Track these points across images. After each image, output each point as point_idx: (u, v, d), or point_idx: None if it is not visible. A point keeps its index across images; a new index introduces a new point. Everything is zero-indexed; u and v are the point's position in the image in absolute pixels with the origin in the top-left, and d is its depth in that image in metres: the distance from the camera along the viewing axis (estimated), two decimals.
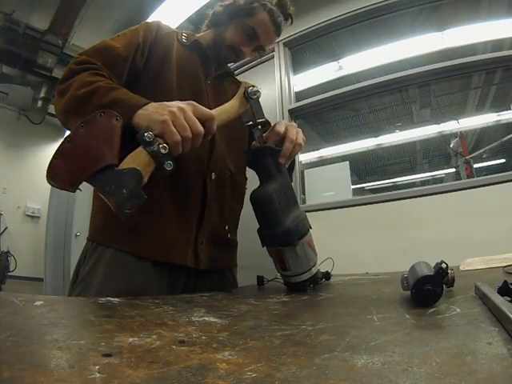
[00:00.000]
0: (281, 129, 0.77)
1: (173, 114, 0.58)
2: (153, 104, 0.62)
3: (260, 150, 0.76)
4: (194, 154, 0.75)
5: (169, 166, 0.57)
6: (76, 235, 3.42)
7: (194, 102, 0.63)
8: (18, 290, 3.94)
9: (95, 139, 0.53)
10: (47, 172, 0.53)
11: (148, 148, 0.55)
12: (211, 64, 0.91)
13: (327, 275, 0.83)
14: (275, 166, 0.74)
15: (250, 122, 0.76)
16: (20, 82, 4.08)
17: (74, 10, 3.09)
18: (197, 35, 0.94)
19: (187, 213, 0.78)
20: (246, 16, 0.87)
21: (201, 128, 0.60)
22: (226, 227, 0.87)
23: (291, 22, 0.95)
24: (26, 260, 4.45)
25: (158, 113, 0.59)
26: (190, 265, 0.77)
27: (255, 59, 0.97)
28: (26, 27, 3.31)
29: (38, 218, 4.82)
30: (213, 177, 0.82)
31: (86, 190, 0.55)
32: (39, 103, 4.58)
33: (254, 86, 0.74)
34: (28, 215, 4.81)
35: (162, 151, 0.56)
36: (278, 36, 0.94)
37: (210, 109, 0.71)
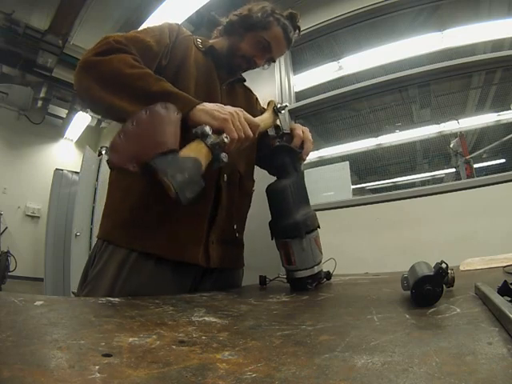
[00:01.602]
0: (300, 132, 0.86)
1: (232, 115, 0.64)
2: (209, 103, 0.67)
3: (281, 148, 0.84)
4: None
5: (225, 157, 0.61)
6: (76, 235, 3.42)
7: (242, 109, 0.69)
8: (17, 289, 3.94)
9: (159, 126, 0.55)
10: (109, 149, 0.53)
11: (207, 140, 0.59)
12: (224, 70, 0.94)
13: (328, 275, 0.83)
14: (292, 164, 0.82)
15: (274, 133, 0.85)
16: (20, 82, 4.08)
17: (74, 10, 3.09)
18: (210, 41, 0.96)
19: (200, 213, 0.79)
20: (261, 29, 0.90)
21: (251, 132, 0.67)
22: (235, 226, 0.89)
23: (299, 33, 1.00)
24: (26, 260, 4.45)
25: (218, 111, 0.64)
26: (201, 263, 0.78)
27: (263, 69, 1.00)
28: (26, 27, 3.30)
29: (38, 217, 4.82)
30: (225, 178, 0.84)
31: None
32: (39, 103, 4.59)
33: (279, 103, 0.85)
34: (28, 215, 4.81)
35: (224, 142, 0.60)
36: (288, 49, 1.00)
37: None
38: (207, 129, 0.59)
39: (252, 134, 0.67)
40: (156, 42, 0.79)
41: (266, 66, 1.00)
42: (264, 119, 0.81)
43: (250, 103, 1.03)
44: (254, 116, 0.98)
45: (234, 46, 0.92)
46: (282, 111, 0.84)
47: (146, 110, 0.55)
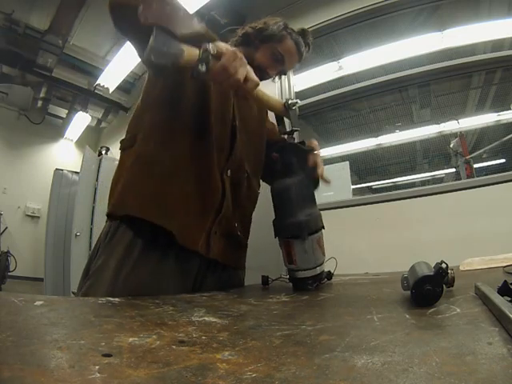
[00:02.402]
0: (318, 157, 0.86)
1: (239, 59, 0.65)
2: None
3: (290, 146, 0.82)
4: (218, 149, 0.82)
5: (203, 67, 0.62)
6: (76, 235, 3.42)
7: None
8: (17, 289, 3.94)
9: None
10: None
11: (203, 48, 0.62)
12: None
13: (329, 275, 0.83)
14: (299, 164, 0.80)
15: (286, 131, 0.83)
16: (20, 82, 4.08)
17: (74, 10, 3.09)
18: None
19: (208, 200, 0.81)
20: (276, 42, 0.93)
21: (242, 77, 0.66)
22: (236, 224, 0.89)
23: (309, 50, 1.02)
24: (26, 260, 4.45)
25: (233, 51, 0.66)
26: (200, 251, 0.78)
27: (273, 81, 1.03)
28: (26, 27, 3.31)
29: (38, 217, 4.82)
30: (228, 173, 0.85)
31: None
32: (39, 103, 4.59)
33: (291, 99, 0.81)
34: (28, 215, 4.81)
35: (212, 55, 0.62)
36: (299, 63, 1.02)
37: (234, 115, 0.88)
38: (211, 46, 0.63)
39: (242, 80, 0.66)
40: None
41: (276, 78, 1.01)
42: (268, 96, 0.78)
43: (261, 115, 1.05)
44: (263, 127, 1.02)
45: (248, 56, 0.93)
46: (293, 107, 0.80)
47: None
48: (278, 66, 0.96)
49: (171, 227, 0.74)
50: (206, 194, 0.81)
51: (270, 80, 0.97)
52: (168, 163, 0.78)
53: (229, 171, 0.86)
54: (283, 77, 2.82)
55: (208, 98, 0.84)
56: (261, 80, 0.98)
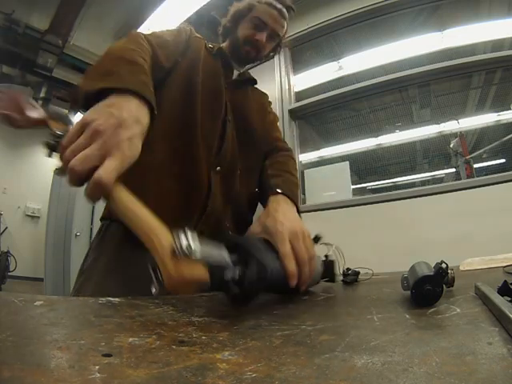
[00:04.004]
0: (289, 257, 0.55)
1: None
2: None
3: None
4: (205, 144, 0.80)
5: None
6: (76, 235, 3.42)
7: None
8: (17, 289, 3.94)
9: None
10: None
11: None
12: (233, 73, 0.97)
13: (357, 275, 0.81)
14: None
15: None
16: (20, 82, 4.08)
17: (74, 10, 3.09)
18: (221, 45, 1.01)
19: (191, 197, 0.79)
20: (248, 13, 0.95)
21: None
22: (228, 224, 0.87)
23: (293, 12, 1.01)
24: (26, 260, 4.45)
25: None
26: None
27: (278, 52, 1.05)
28: (26, 27, 3.31)
29: (38, 217, 4.83)
30: (217, 169, 0.83)
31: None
32: (39, 103, 4.59)
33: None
34: (28, 215, 4.81)
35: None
36: (285, 19, 0.99)
37: (227, 110, 0.86)
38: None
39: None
40: (173, 40, 0.85)
41: (273, 45, 1.00)
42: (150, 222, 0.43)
43: (262, 107, 1.04)
44: (264, 120, 1.02)
45: (234, 41, 0.97)
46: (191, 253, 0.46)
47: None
48: (262, 30, 0.95)
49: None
50: (190, 190, 0.79)
51: (264, 77, 0.97)
52: (148, 159, 0.75)
53: (218, 167, 0.83)
54: (283, 77, 2.83)
55: (194, 93, 0.83)
56: (258, 55, 0.98)
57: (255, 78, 1.07)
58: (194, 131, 0.81)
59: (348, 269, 0.84)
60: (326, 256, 0.78)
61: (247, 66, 1.05)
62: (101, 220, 0.80)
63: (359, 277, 0.84)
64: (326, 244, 0.83)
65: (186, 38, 0.91)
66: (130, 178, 0.74)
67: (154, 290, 0.41)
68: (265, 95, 1.12)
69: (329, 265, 0.73)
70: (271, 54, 1.05)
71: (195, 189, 0.80)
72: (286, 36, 1.04)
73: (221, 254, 0.41)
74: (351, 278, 0.80)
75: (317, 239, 0.80)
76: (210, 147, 0.83)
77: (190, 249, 0.33)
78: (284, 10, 0.97)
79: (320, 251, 0.82)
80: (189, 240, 0.33)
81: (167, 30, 0.90)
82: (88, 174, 0.41)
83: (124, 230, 0.73)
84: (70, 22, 3.23)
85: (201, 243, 0.36)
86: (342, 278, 0.82)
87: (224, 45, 1.01)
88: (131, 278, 0.70)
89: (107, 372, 0.23)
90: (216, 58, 0.95)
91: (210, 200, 0.81)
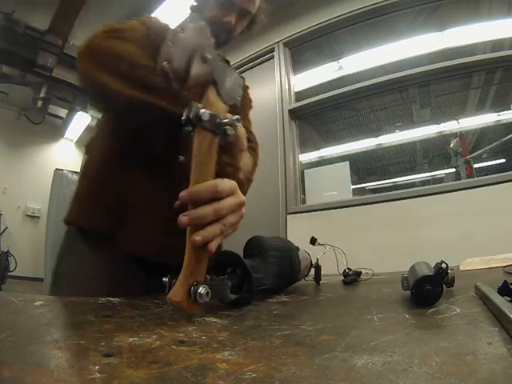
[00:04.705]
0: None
1: None
2: None
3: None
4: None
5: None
6: None
7: None
8: (17, 289, 3.93)
9: None
10: (160, 58, 0.51)
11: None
12: None
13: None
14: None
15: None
16: (20, 82, 4.08)
17: (73, 10, 3.09)
18: None
19: (158, 198, 0.75)
20: None
21: None
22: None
23: None
24: (26, 260, 4.45)
25: None
26: (150, 257, 0.73)
27: (252, 31, 0.93)
28: (26, 27, 3.30)
29: (38, 218, 4.82)
30: (180, 159, 0.79)
31: None
32: (39, 103, 4.59)
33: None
34: (28, 215, 4.81)
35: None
36: None
37: None
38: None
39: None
40: (144, 32, 0.78)
41: (245, 23, 0.90)
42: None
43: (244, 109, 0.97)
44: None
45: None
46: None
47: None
48: (230, 9, 0.86)
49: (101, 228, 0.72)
50: (154, 191, 0.75)
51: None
52: (98, 153, 0.77)
53: (180, 157, 0.79)
54: (283, 77, 2.83)
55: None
56: (229, 37, 0.88)
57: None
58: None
59: (349, 269, 0.84)
60: (317, 259, 0.79)
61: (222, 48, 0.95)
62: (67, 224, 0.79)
63: (360, 277, 0.84)
64: (323, 245, 0.83)
65: (150, 30, 0.82)
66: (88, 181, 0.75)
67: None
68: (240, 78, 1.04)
69: (317, 268, 0.81)
70: (246, 31, 0.94)
71: (158, 187, 0.75)
72: (263, 8, 0.93)
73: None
74: (351, 278, 0.80)
75: (313, 241, 0.81)
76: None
77: (196, 297, 0.42)
78: None
79: (317, 252, 0.83)
80: (202, 292, 0.42)
81: (131, 22, 0.81)
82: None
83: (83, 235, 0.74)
84: (70, 22, 3.22)
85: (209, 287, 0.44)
86: (342, 278, 0.82)
87: None
88: (102, 280, 0.69)
89: (107, 372, 0.23)
90: None
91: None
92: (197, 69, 0.48)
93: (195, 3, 0.92)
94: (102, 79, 0.63)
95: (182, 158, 0.75)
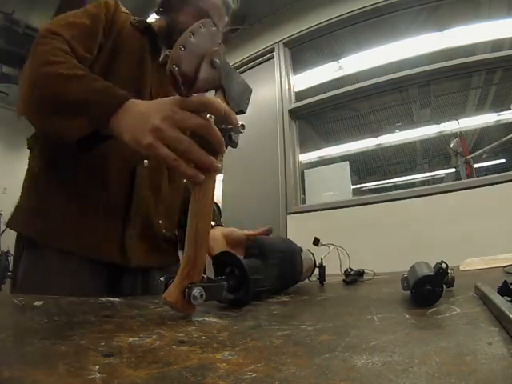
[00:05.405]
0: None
1: (158, 130, 0.46)
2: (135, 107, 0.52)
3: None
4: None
5: None
6: None
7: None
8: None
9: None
10: (170, 61, 0.45)
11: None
12: (160, 54, 0.87)
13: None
14: None
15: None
16: None
17: (73, 10, 3.09)
18: (148, 21, 0.90)
19: (113, 201, 0.73)
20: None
21: (200, 121, 0.47)
22: (160, 221, 0.82)
23: (238, 1, 0.91)
24: None
25: (141, 131, 0.48)
26: (117, 261, 0.71)
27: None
28: (26, 27, 3.31)
29: None
30: (145, 164, 0.77)
31: None
32: None
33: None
34: None
35: None
36: (228, 16, 0.90)
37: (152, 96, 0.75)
38: None
39: (203, 122, 0.46)
40: (92, 22, 0.75)
41: None
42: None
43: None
44: None
45: (173, 23, 0.86)
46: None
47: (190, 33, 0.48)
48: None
49: (68, 246, 0.70)
50: (110, 196, 0.72)
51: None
52: (44, 153, 0.75)
53: (145, 162, 0.76)
54: (283, 77, 2.83)
55: (115, 81, 0.63)
56: None
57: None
58: None
59: (351, 269, 0.84)
60: (322, 260, 0.79)
61: None
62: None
63: (363, 277, 0.84)
64: (326, 245, 0.83)
65: (108, 15, 0.80)
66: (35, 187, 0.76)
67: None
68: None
69: (321, 269, 0.80)
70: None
71: (114, 189, 0.73)
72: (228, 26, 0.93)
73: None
74: (351, 278, 0.80)
75: (316, 242, 0.81)
76: None
77: (191, 298, 0.42)
78: (230, 5, 0.88)
79: (321, 252, 0.83)
80: (196, 295, 0.43)
81: (85, 10, 0.79)
82: None
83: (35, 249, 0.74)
84: None
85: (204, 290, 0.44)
86: (343, 277, 0.82)
87: (157, 23, 0.90)
88: (54, 284, 0.66)
89: (107, 372, 0.23)
90: (143, 35, 0.86)
91: (133, 199, 0.75)
92: (205, 74, 0.47)
93: (169, 2, 0.88)
94: (49, 127, 0.64)
95: (146, 162, 0.76)
